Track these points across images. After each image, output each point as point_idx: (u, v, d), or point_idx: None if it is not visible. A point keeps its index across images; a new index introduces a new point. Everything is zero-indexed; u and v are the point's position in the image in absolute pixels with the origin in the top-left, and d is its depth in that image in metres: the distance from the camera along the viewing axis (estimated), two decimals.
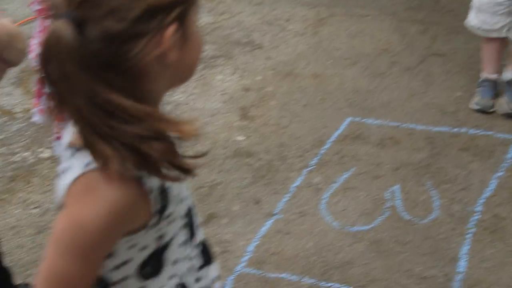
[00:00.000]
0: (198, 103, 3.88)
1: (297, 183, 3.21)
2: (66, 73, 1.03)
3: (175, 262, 1.28)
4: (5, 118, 3.85)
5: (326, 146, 3.45)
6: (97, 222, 1.10)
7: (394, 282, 2.63)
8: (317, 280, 2.67)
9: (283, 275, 2.70)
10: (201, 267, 1.35)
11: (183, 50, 1.12)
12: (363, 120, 3.64)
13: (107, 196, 1.09)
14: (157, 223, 1.19)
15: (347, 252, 2.79)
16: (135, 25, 1.04)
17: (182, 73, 1.19)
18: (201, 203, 3.00)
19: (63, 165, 1.16)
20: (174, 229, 1.26)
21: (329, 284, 2.64)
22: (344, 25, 4.66)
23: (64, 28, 1.02)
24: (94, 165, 1.09)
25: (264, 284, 2.66)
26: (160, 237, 1.23)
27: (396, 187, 3.13)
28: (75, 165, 1.12)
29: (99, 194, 1.09)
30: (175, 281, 1.29)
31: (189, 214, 1.31)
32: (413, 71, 4.06)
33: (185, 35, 1.11)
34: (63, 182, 1.14)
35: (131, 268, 1.23)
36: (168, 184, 1.18)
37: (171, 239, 1.25)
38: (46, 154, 3.48)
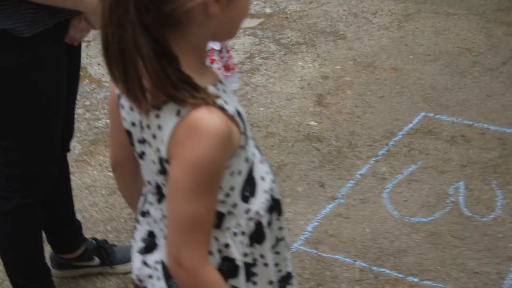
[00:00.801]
0: (276, 87, 3.98)
1: (362, 170, 3.27)
2: (120, 8, 1.14)
3: (262, 178, 1.41)
4: (94, 86, 4.07)
5: (396, 138, 3.49)
6: (211, 154, 1.20)
7: (446, 274, 2.67)
8: (369, 264, 2.73)
9: (337, 256, 2.77)
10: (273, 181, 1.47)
11: (226, 7, 1.21)
12: (436, 116, 3.66)
13: (209, 129, 1.20)
14: (245, 144, 1.31)
15: (403, 241, 2.84)
16: None
17: (223, 29, 1.28)
18: None
19: (151, 130, 1.27)
20: (252, 148, 1.38)
21: (381, 270, 2.70)
22: (430, 22, 4.66)
23: None
24: (183, 110, 1.21)
25: (317, 263, 2.74)
26: (247, 159, 1.35)
27: (461, 183, 3.14)
28: (166, 120, 1.23)
29: (201, 131, 1.20)
30: (267, 195, 1.42)
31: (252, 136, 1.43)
32: (495, 72, 4.04)
33: None
34: (162, 138, 1.25)
35: (236, 194, 1.35)
36: (237, 106, 1.30)
37: (253, 158, 1.38)
38: None
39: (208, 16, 1.21)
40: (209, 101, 1.21)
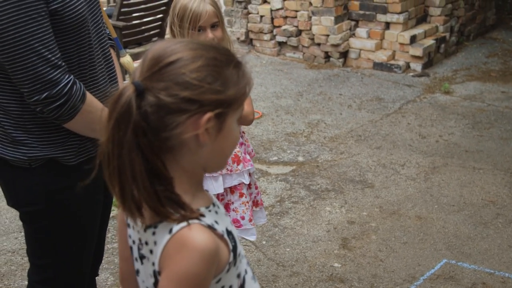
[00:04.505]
0: (303, 229, 4.14)
1: None
2: (121, 131, 1.31)
3: None
4: None
5: (417, 282, 3.58)
6: (196, 269, 1.34)
7: None
8: None
9: None
10: None
11: (216, 137, 1.39)
12: (458, 263, 3.75)
13: (196, 246, 1.34)
14: (235, 261, 1.45)
15: None
16: (181, 102, 1.33)
17: (213, 158, 1.44)
18: None
19: (149, 246, 1.44)
20: (244, 265, 1.52)
21: None
22: (456, 175, 4.84)
23: (130, 91, 1.33)
24: (175, 228, 1.36)
25: None
26: (239, 275, 1.48)
27: None
28: (160, 237, 1.39)
29: (188, 247, 1.34)
30: None
31: (245, 255, 1.57)
32: None
33: (220, 127, 1.39)
34: (157, 252, 1.40)
35: None
36: (229, 227, 1.46)
37: (245, 275, 1.51)
38: None
39: (199, 145, 1.38)
40: (192, 217, 1.36)
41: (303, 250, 3.91)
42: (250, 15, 8.02)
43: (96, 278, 2.73)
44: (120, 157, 1.32)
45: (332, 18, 7.35)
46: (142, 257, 1.48)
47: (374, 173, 4.90)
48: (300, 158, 5.21)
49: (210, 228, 1.39)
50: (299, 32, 7.75)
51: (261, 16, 7.94)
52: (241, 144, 2.98)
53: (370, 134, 5.66)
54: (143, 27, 6.87)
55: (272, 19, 7.88)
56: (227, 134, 1.41)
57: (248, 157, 2.97)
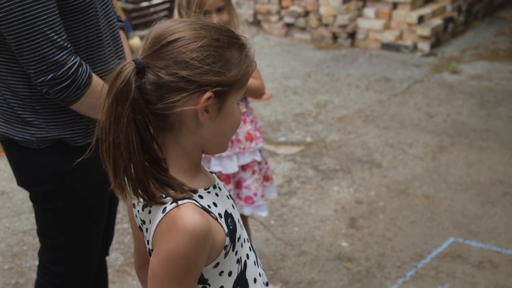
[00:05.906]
0: (311, 209, 4.17)
1: None
2: (119, 107, 1.32)
3: (255, 280, 1.54)
4: None
5: (425, 261, 3.60)
6: (184, 249, 1.33)
7: None
8: None
9: None
10: (267, 284, 1.60)
11: (216, 118, 1.40)
12: (466, 242, 3.77)
13: (185, 226, 1.34)
14: (234, 245, 1.45)
15: None
16: (180, 81, 1.34)
17: (213, 139, 1.44)
18: None
19: (146, 225, 1.46)
20: (246, 250, 1.52)
21: None
22: (464, 154, 4.85)
23: (130, 68, 1.34)
24: (168, 207, 1.37)
25: None
26: (239, 260, 1.48)
27: None
28: (155, 215, 1.40)
29: (178, 226, 1.34)
30: None
31: (249, 239, 1.58)
32: None
33: (220, 107, 1.40)
34: (150, 231, 1.41)
35: None
36: (230, 210, 1.47)
37: (247, 259, 1.51)
38: None
39: (199, 124, 1.39)
40: (181, 198, 1.36)
41: (311, 230, 3.94)
42: None
43: (107, 257, 2.77)
44: (115, 132, 1.33)
45: None
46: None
47: (382, 153, 4.92)
48: (308, 139, 5.23)
49: (205, 209, 1.39)
50: (306, 13, 7.74)
51: None
52: (251, 121, 3.02)
53: (378, 114, 5.67)
54: (151, 10, 6.88)
55: (280, 0, 7.87)
56: (227, 115, 1.42)
57: (258, 134, 3.02)
